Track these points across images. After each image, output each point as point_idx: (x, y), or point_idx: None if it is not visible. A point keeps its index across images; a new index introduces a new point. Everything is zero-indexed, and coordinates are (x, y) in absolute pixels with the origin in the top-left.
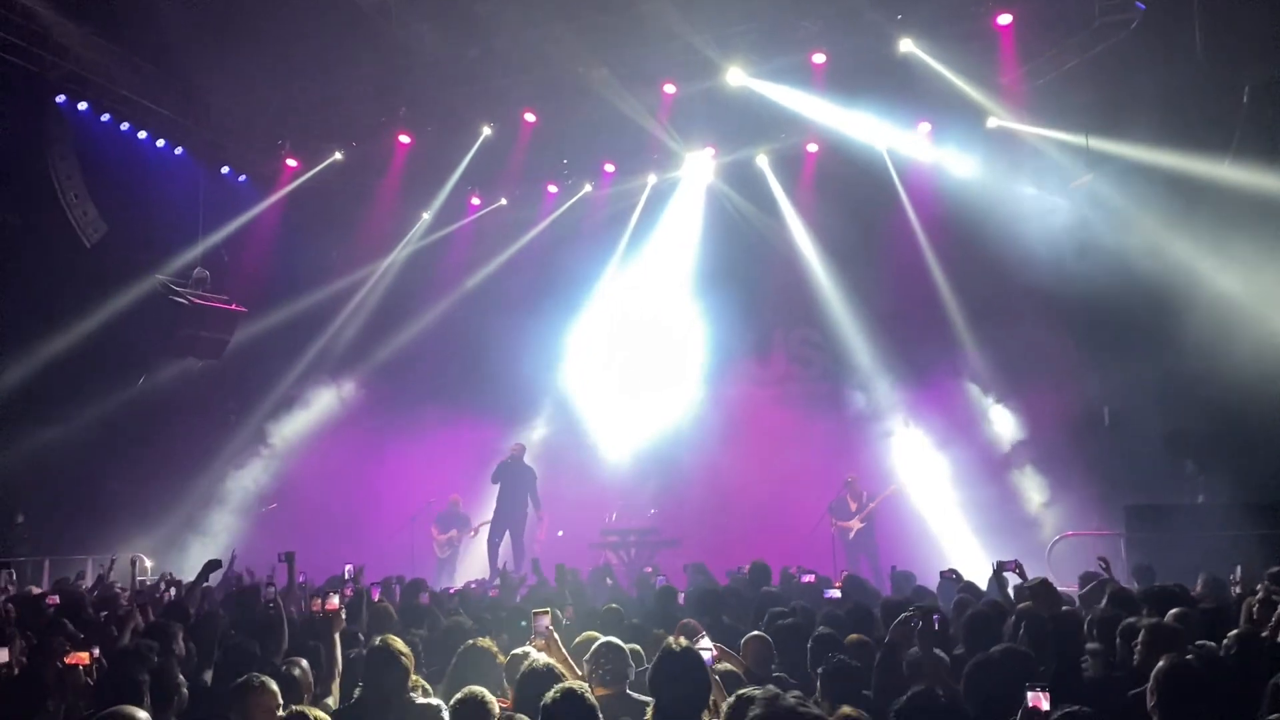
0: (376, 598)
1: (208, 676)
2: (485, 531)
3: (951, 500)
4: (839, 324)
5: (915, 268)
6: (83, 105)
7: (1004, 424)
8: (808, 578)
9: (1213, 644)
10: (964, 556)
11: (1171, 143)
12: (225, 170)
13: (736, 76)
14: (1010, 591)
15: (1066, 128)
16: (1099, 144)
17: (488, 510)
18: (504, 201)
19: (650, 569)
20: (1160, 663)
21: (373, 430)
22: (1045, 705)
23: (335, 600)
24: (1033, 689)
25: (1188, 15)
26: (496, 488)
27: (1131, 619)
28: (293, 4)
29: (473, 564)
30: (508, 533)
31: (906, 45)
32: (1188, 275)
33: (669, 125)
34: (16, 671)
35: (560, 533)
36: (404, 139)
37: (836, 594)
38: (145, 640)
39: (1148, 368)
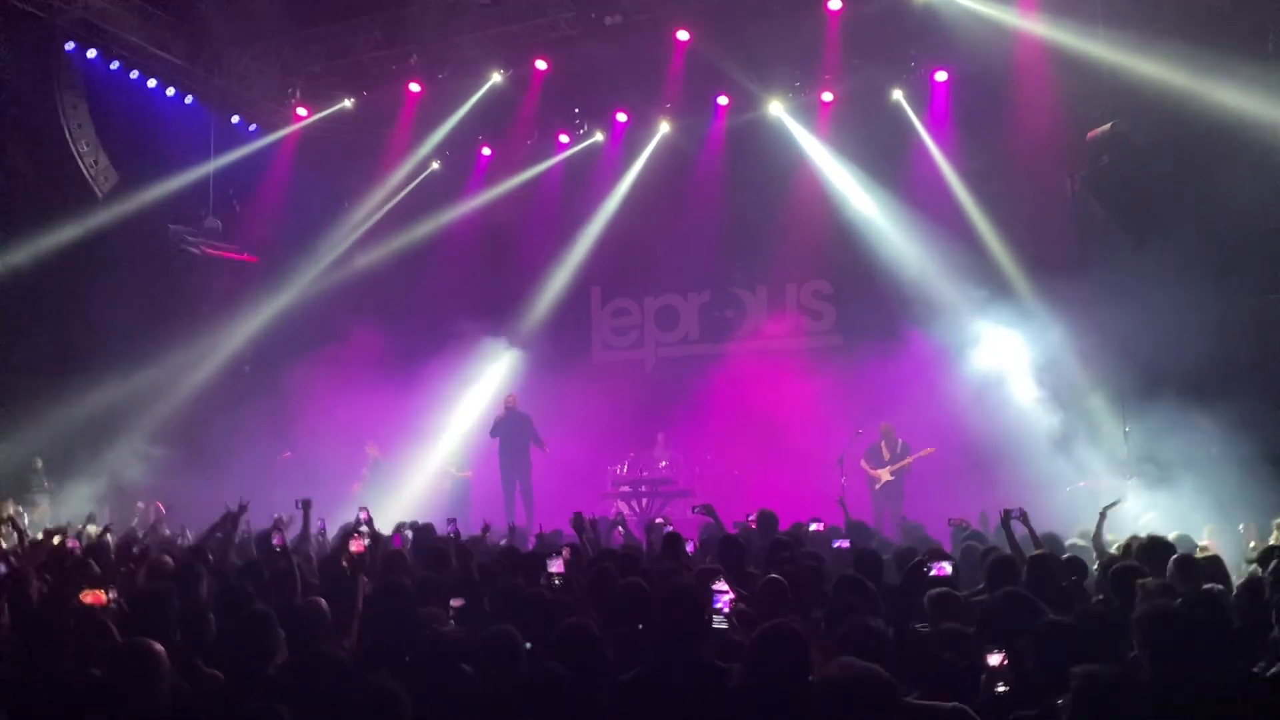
0: (399, 545)
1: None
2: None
3: (970, 450)
4: (852, 276)
5: (934, 214)
6: (92, 53)
7: (1021, 373)
8: (816, 526)
9: (1220, 587)
10: (979, 505)
11: (1197, 83)
12: (236, 119)
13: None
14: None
15: (1088, 70)
16: (1121, 86)
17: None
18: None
19: (661, 519)
20: (1140, 607)
21: (379, 375)
22: (994, 661)
23: (360, 543)
24: (989, 650)
25: None
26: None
27: (1124, 563)
28: None
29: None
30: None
31: None
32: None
33: (684, 73)
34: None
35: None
36: (414, 87)
37: (845, 544)
38: (166, 583)
39: (1166, 315)
